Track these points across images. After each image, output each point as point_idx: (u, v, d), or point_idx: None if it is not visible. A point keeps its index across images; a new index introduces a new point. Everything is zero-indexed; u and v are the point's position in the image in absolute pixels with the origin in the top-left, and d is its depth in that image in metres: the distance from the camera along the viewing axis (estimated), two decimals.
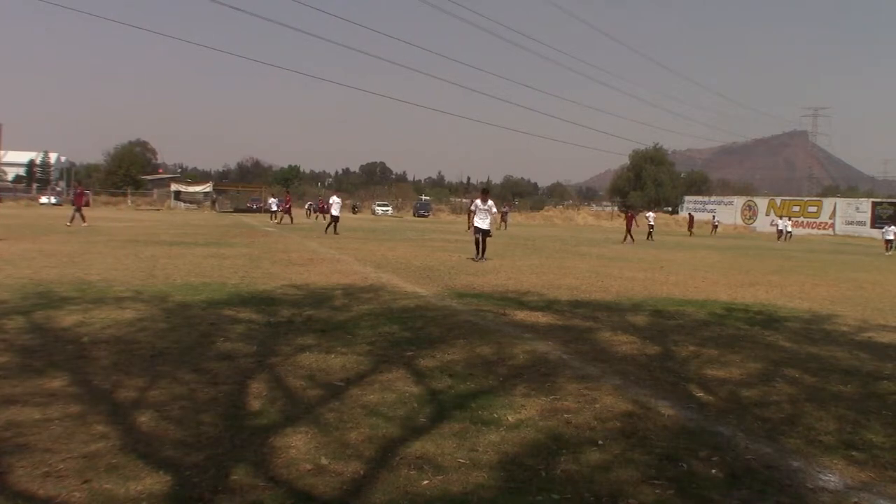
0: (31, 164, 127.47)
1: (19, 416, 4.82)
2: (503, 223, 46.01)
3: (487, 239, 19.90)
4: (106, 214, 52.27)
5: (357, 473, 4.06)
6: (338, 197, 34.67)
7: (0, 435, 4.44)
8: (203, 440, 4.50)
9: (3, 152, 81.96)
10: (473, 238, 19.92)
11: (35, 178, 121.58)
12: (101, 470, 3.97)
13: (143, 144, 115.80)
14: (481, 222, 19.71)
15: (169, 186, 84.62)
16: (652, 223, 41.12)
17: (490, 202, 20.29)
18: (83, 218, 32.59)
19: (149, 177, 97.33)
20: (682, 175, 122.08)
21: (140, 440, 4.47)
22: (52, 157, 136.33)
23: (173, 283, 12.19)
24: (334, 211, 31.94)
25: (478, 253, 19.57)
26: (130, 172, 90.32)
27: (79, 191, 37.21)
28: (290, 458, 4.27)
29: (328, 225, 32.02)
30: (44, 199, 79.79)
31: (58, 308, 9.17)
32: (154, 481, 3.84)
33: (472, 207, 20.20)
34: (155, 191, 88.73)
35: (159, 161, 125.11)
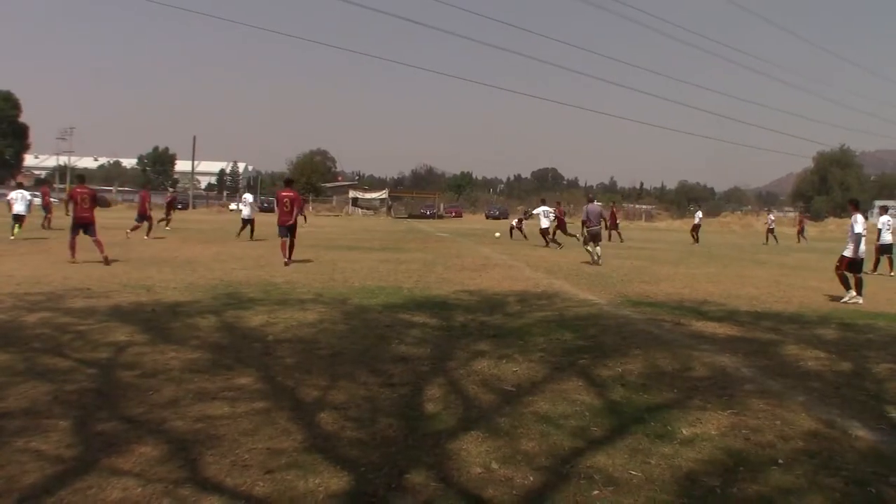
0: (221, 173, 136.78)
1: (211, 409, 5.17)
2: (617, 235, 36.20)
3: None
4: None
5: (526, 479, 4.07)
6: (545, 206, 29.96)
7: (194, 426, 4.77)
8: (379, 440, 4.65)
9: (197, 162, 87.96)
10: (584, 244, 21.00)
11: (225, 186, 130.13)
12: (284, 463, 4.19)
13: (323, 153, 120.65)
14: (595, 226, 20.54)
15: (347, 193, 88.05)
16: (772, 226, 40.18)
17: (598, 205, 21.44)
18: (131, 230, 23.81)
19: (328, 184, 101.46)
20: (871, 178, 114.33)
21: (319, 436, 4.68)
22: (241, 166, 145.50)
23: (352, 286, 12.67)
24: (544, 224, 28.59)
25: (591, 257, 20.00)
26: (311, 180, 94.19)
27: (142, 193, 26.09)
28: (461, 460, 4.33)
29: (551, 237, 28.82)
30: (233, 206, 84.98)
31: (246, 308, 9.74)
32: (332, 476, 4.02)
33: (584, 217, 20.93)
34: (334, 197, 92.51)
35: (338, 169, 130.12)
